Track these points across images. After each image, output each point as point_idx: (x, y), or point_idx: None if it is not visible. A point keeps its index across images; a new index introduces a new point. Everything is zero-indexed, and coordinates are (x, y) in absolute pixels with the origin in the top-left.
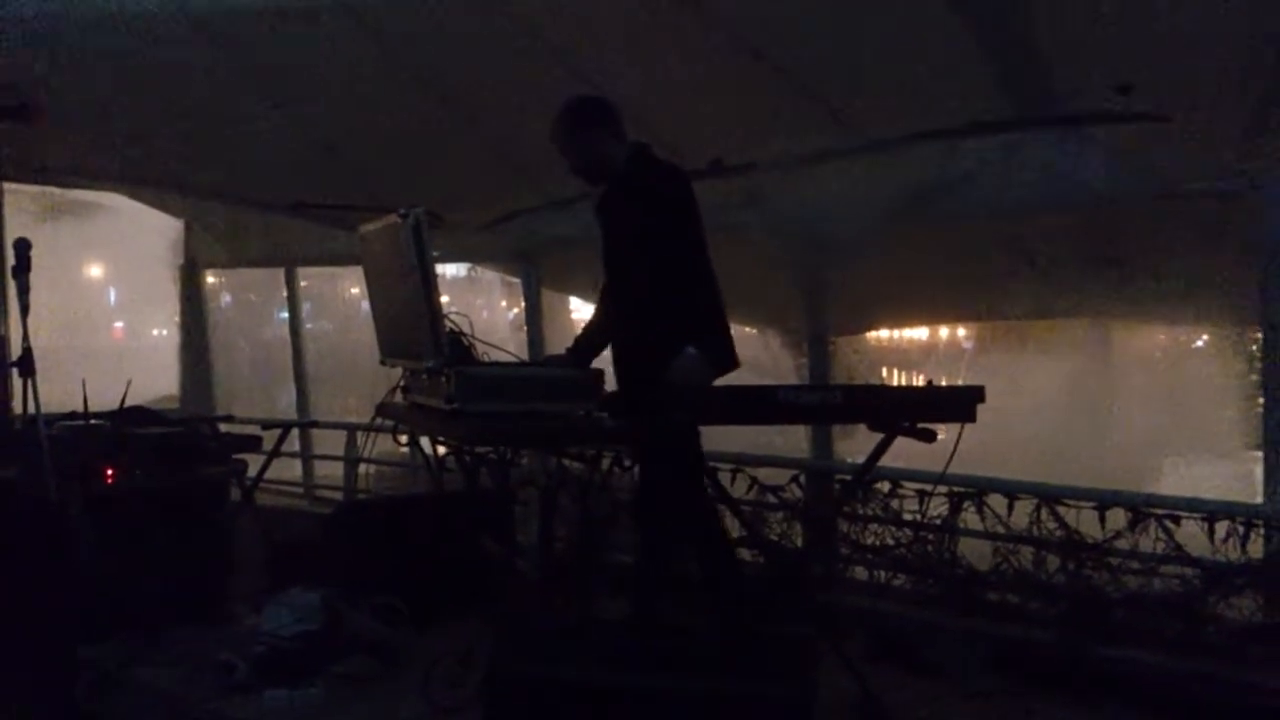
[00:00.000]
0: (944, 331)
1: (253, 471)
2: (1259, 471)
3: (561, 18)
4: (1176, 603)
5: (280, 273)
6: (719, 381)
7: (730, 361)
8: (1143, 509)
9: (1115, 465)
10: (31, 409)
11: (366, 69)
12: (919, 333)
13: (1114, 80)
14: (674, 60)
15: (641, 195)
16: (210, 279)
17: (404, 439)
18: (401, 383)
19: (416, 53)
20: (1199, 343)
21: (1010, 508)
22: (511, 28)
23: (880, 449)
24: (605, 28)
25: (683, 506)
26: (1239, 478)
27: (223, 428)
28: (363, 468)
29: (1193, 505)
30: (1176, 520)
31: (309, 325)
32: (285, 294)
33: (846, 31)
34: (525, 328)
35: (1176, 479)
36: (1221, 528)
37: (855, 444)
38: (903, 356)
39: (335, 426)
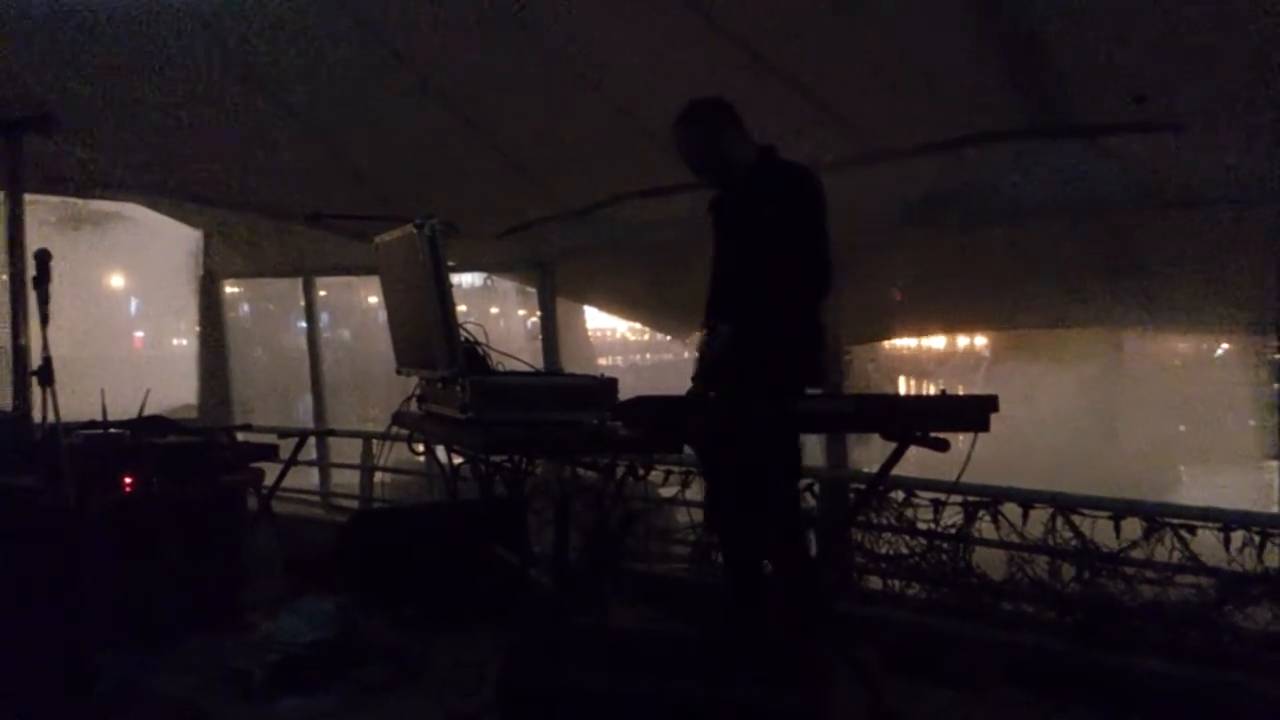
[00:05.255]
0: (962, 340)
1: (270, 480)
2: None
3: (574, 30)
4: (1192, 612)
5: (298, 282)
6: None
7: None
8: (1158, 518)
9: (1132, 474)
10: (51, 418)
11: (383, 81)
12: (936, 341)
13: (1130, 90)
14: (685, 71)
15: (772, 195)
16: (229, 289)
17: (420, 448)
18: (417, 391)
19: (432, 65)
20: (1220, 351)
21: (1025, 517)
22: (525, 40)
23: (894, 458)
24: (618, 40)
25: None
26: (1259, 487)
27: (240, 436)
28: (379, 476)
29: (1208, 515)
30: (1192, 530)
31: (327, 334)
32: (303, 303)
33: (858, 41)
34: (540, 337)
35: (1197, 488)
36: (1238, 537)
37: (871, 453)
38: (920, 365)
39: (351, 435)
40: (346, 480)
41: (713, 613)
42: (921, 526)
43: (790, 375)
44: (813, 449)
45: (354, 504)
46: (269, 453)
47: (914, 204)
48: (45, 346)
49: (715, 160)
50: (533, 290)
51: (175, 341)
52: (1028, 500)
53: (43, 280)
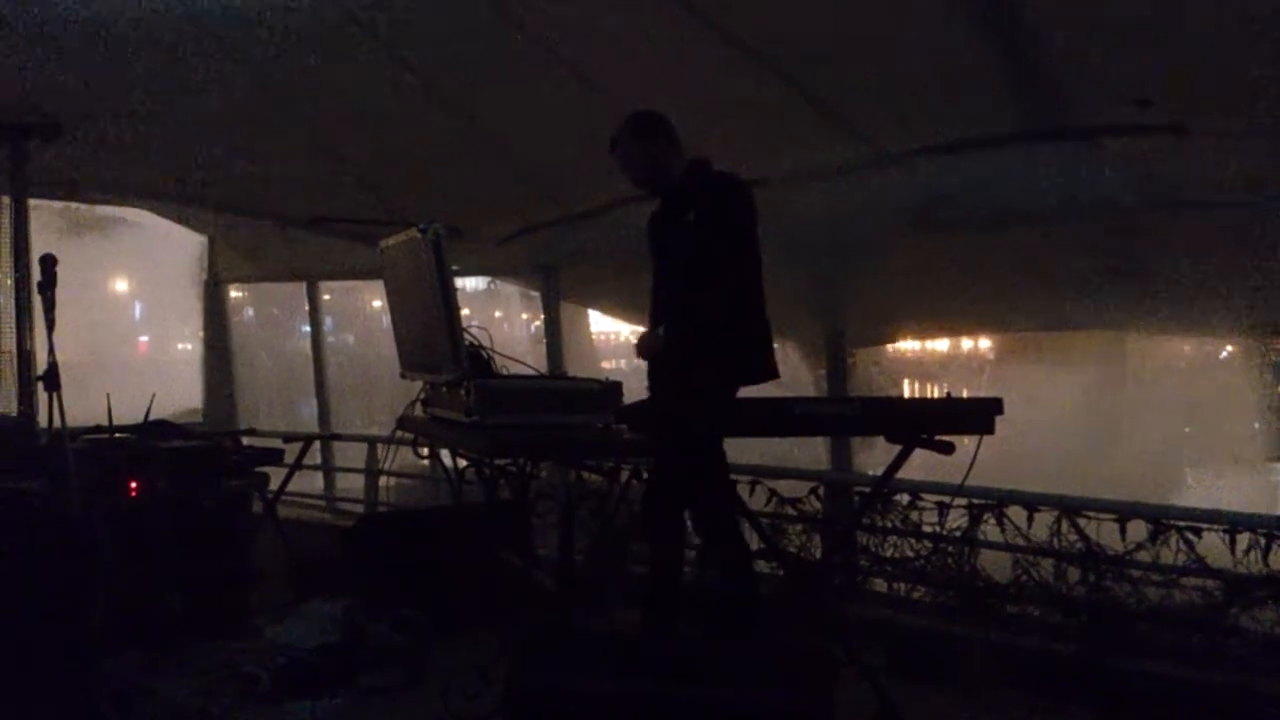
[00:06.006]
0: (966, 343)
1: (275, 484)
2: None
3: (578, 35)
4: (1197, 615)
5: (302, 287)
6: (750, 392)
7: (762, 374)
8: (1163, 521)
9: (1136, 476)
10: (57, 423)
11: (387, 86)
12: (940, 344)
13: (1132, 94)
14: (689, 76)
15: (697, 203)
16: (233, 293)
17: (424, 452)
18: (422, 395)
19: (436, 70)
20: (1224, 354)
21: (1030, 519)
22: (529, 45)
23: (898, 461)
24: (622, 45)
25: (702, 514)
26: (1263, 489)
27: (245, 441)
28: (383, 480)
29: (1213, 517)
30: (1197, 532)
31: (331, 339)
32: (307, 308)
33: (860, 46)
34: (545, 340)
35: (1202, 490)
36: (1243, 539)
37: (874, 456)
38: (924, 368)
39: (356, 439)
40: (351, 484)
41: (716, 615)
42: (926, 529)
43: (726, 373)
44: (818, 452)
45: (359, 508)
46: (274, 457)
47: (917, 207)
48: (51, 351)
49: (654, 173)
50: (537, 294)
51: (180, 346)
52: (1033, 503)
53: (48, 285)
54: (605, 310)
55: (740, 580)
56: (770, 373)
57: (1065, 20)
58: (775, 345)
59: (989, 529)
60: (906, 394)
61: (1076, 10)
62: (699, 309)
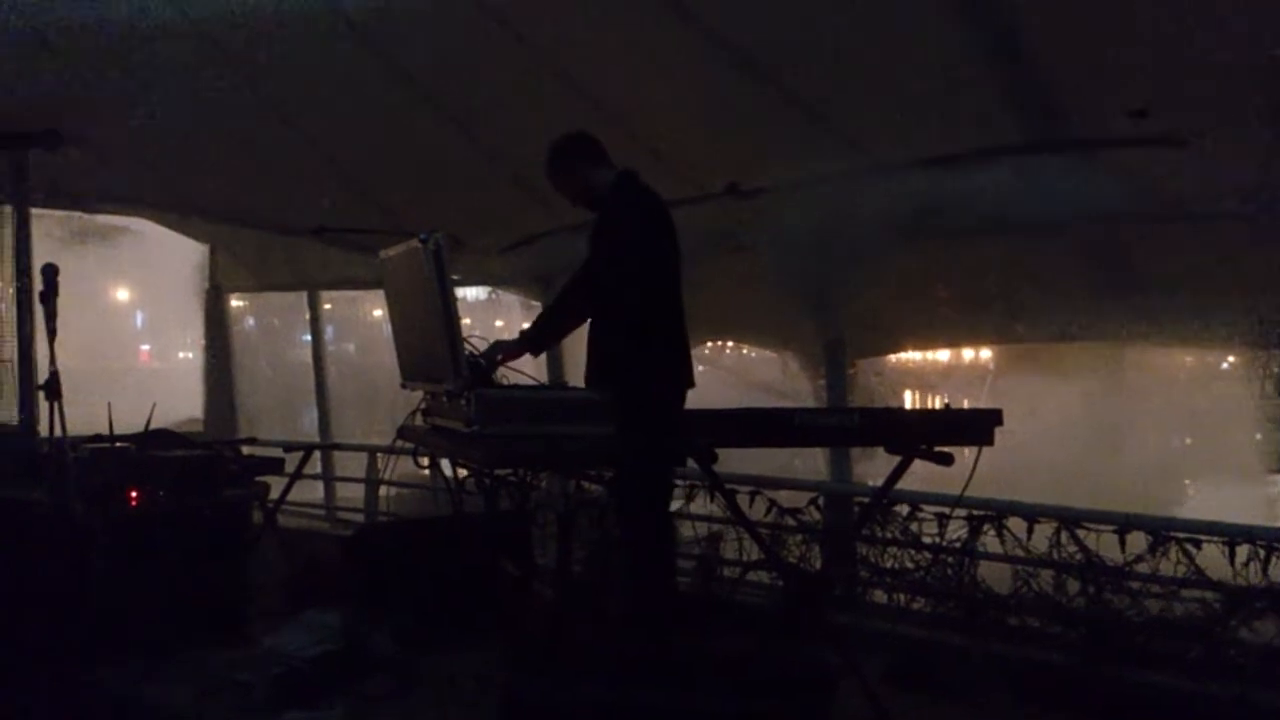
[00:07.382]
0: (967, 354)
1: (275, 493)
2: None
3: (578, 47)
4: (1197, 626)
5: (303, 296)
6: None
7: (684, 381)
8: (1163, 532)
9: (1137, 488)
10: (58, 431)
11: (388, 97)
12: (941, 354)
13: (1130, 104)
14: (688, 87)
15: (613, 219)
16: (234, 303)
17: (424, 461)
18: (422, 405)
19: (437, 81)
20: (1224, 365)
21: (1030, 531)
22: (529, 57)
23: (898, 472)
24: (620, 56)
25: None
26: (1265, 501)
27: (245, 450)
28: (383, 490)
29: (1213, 529)
30: (1197, 544)
31: (331, 348)
32: (308, 317)
33: (857, 55)
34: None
35: (1202, 502)
36: (1243, 551)
37: (874, 466)
38: (924, 378)
39: (356, 449)
40: (351, 494)
41: (716, 624)
42: (926, 540)
43: (652, 377)
44: (817, 463)
45: (359, 517)
46: (274, 466)
47: (915, 217)
48: (52, 360)
49: (583, 192)
50: (537, 303)
51: (181, 354)
52: (1033, 514)
53: (50, 294)
54: None
55: (639, 590)
56: (690, 381)
57: (1063, 30)
58: (775, 355)
59: (989, 540)
60: (908, 404)
61: (1073, 22)
62: (626, 322)
